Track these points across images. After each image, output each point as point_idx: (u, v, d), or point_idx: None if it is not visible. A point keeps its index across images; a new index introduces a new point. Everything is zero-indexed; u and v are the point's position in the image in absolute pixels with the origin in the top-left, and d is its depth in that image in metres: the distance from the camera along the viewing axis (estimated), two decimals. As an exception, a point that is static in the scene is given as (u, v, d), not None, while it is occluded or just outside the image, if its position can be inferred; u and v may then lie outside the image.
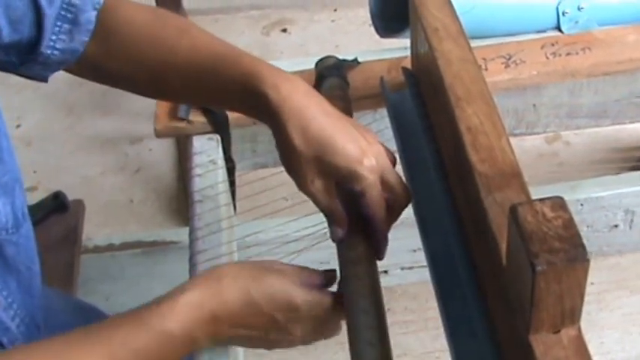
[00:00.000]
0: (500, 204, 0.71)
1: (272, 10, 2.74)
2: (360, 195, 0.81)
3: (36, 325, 0.86)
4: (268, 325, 0.78)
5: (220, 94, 0.87)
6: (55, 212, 1.37)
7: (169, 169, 2.23)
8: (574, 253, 0.59)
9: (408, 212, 0.92)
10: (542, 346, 0.63)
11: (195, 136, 1.09)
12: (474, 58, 0.88)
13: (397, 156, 0.96)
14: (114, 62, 0.90)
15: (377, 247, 0.84)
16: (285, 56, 2.54)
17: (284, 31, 2.68)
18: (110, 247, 1.43)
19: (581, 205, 1.35)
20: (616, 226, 1.41)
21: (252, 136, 1.18)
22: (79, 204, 1.41)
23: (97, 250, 1.40)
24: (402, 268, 1.43)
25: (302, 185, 0.83)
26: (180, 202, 2.08)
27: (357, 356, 0.74)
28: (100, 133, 2.27)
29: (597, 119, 1.30)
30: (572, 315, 0.62)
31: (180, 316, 0.73)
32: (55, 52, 0.87)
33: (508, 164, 0.76)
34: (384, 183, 0.82)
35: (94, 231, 1.89)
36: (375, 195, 0.81)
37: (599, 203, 1.36)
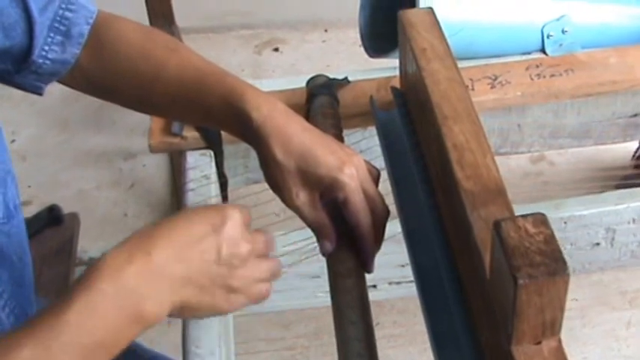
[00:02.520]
0: (485, 219, 0.74)
1: (264, 30, 2.78)
2: (343, 203, 0.83)
3: (26, 315, 0.86)
4: (208, 250, 0.71)
5: (205, 112, 0.90)
6: (50, 225, 1.39)
7: (163, 184, 2.26)
8: (554, 267, 0.62)
9: (396, 228, 0.96)
10: (523, 356, 0.66)
11: (188, 152, 1.12)
12: (461, 78, 0.91)
13: (386, 173, 1.00)
14: (105, 75, 0.94)
15: (364, 260, 0.86)
16: (277, 75, 2.58)
17: (276, 50, 2.71)
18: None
19: (565, 223, 1.37)
20: (598, 244, 1.43)
21: (244, 152, 1.21)
22: (74, 217, 1.43)
23: (92, 262, 1.41)
24: (390, 283, 1.45)
25: (287, 200, 0.85)
26: (174, 216, 2.10)
27: None
28: (94, 149, 2.29)
29: (580, 139, 1.33)
30: (552, 327, 0.65)
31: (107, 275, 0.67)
32: (47, 62, 0.90)
33: (493, 181, 0.79)
34: (364, 193, 0.85)
35: (88, 244, 1.92)
36: (358, 201, 0.83)
37: (581, 222, 1.38)
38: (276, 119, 0.85)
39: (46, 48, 0.89)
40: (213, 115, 0.89)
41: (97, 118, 2.36)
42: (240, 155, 1.22)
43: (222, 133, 1.11)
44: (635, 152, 2.14)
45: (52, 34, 0.89)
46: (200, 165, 1.09)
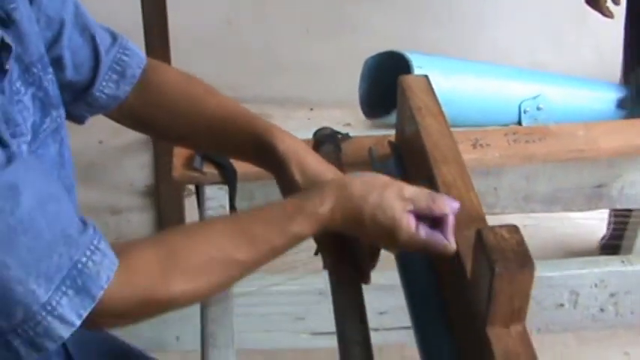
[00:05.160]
0: (467, 237, 0.90)
1: (251, 104, 2.95)
2: None
3: None
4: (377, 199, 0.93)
5: (238, 145, 1.09)
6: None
7: (145, 238, 2.41)
8: (524, 262, 0.78)
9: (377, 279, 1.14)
10: (495, 337, 0.81)
11: (207, 185, 1.28)
12: (450, 132, 1.09)
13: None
14: (149, 111, 1.12)
15: (362, 272, 1.02)
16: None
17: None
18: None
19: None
20: (562, 305, 1.57)
21: (249, 194, 1.37)
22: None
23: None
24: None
25: None
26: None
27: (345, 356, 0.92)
28: (83, 204, 2.42)
29: (550, 205, 1.50)
30: (519, 313, 0.81)
31: (328, 205, 0.92)
32: (103, 96, 1.07)
33: (474, 210, 0.96)
34: None
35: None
36: None
37: (548, 282, 1.51)
38: (296, 151, 1.04)
39: (104, 84, 1.06)
40: (245, 147, 1.08)
41: (86, 176, 2.47)
42: (245, 197, 1.37)
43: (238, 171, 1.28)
44: (602, 238, 2.31)
45: (109, 73, 1.07)
46: (217, 197, 1.26)
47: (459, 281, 0.90)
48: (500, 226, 0.81)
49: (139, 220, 2.46)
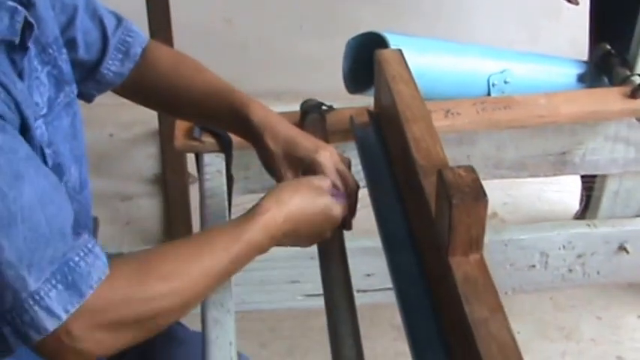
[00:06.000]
0: (433, 182, 1.02)
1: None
2: None
3: None
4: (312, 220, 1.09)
5: (219, 118, 1.24)
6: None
7: (155, 222, 2.54)
8: (478, 195, 0.90)
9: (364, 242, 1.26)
10: (456, 264, 0.93)
11: (205, 154, 1.41)
12: (420, 96, 1.22)
13: (362, 174, 1.29)
14: (147, 87, 1.25)
15: (344, 220, 1.15)
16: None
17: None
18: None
19: (505, 245, 1.61)
20: (533, 266, 1.66)
21: (245, 165, 1.50)
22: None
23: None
24: (358, 291, 1.71)
25: (278, 178, 1.17)
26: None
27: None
28: (96, 192, 2.55)
29: (518, 171, 1.63)
30: (477, 243, 0.93)
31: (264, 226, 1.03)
32: (110, 74, 1.21)
33: (440, 160, 1.08)
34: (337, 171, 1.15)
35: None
36: (333, 176, 1.14)
37: (519, 244, 1.62)
38: (269, 121, 1.18)
39: (110, 62, 1.20)
40: (226, 120, 1.23)
41: (99, 167, 2.63)
42: (242, 167, 1.50)
43: (233, 140, 1.41)
44: (575, 214, 2.44)
45: (115, 52, 1.20)
46: (215, 163, 1.39)
47: (426, 220, 1.02)
48: (458, 167, 0.94)
49: (147, 206, 2.62)
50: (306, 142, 1.17)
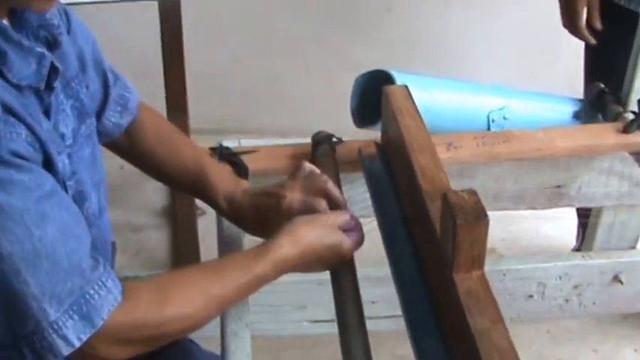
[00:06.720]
0: (437, 206, 1.10)
1: (256, 135, 3.13)
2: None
3: None
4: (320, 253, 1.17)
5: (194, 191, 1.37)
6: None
7: (164, 253, 2.61)
8: (479, 215, 0.98)
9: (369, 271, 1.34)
10: (459, 280, 1.01)
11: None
12: (425, 128, 1.30)
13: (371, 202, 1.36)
14: (139, 154, 1.36)
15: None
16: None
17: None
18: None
19: (504, 275, 1.67)
20: (531, 296, 1.71)
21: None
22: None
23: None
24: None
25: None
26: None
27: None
28: (107, 222, 2.65)
29: (517, 204, 1.71)
30: (479, 260, 1.01)
31: (277, 263, 1.12)
32: (109, 124, 1.29)
33: (444, 186, 1.16)
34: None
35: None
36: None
37: (517, 275, 1.68)
38: (233, 203, 1.32)
39: (111, 113, 1.29)
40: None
41: (110, 198, 2.69)
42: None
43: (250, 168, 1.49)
44: (572, 250, 2.50)
45: (114, 105, 1.29)
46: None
47: (432, 241, 1.10)
48: (462, 191, 1.02)
49: (157, 236, 2.71)
50: (268, 199, 1.28)
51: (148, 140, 1.34)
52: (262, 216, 1.27)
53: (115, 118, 1.29)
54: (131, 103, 1.30)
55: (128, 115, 1.30)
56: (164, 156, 1.33)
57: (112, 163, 2.89)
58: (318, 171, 1.29)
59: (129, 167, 3.05)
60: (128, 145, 1.34)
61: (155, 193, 2.86)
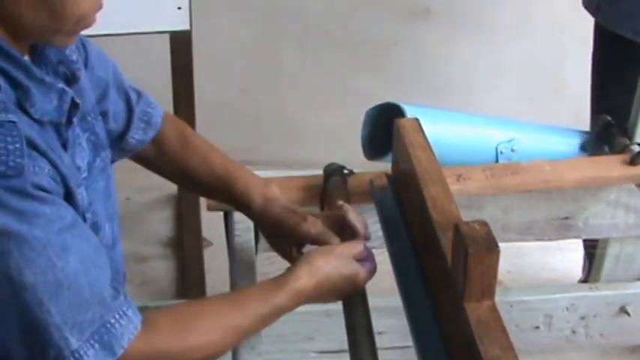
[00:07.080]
0: (449, 237, 1.12)
1: (264, 166, 3.10)
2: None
3: None
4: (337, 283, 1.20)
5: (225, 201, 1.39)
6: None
7: (168, 283, 2.63)
8: (490, 245, 1.00)
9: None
10: (470, 309, 1.02)
11: (235, 212, 1.51)
12: (436, 161, 1.32)
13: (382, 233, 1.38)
14: (163, 160, 1.37)
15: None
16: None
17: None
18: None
19: (511, 306, 1.67)
20: (538, 327, 1.71)
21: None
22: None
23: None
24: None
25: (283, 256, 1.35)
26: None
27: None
28: (114, 253, 2.67)
29: (524, 235, 1.72)
30: (489, 290, 1.03)
31: (294, 295, 1.15)
32: (134, 141, 1.31)
33: (455, 216, 1.18)
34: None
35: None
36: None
37: (524, 306, 1.68)
38: (267, 210, 1.34)
39: (135, 131, 1.31)
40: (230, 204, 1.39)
41: (116, 229, 2.74)
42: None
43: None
44: (579, 282, 2.51)
45: (138, 122, 1.31)
46: (243, 220, 1.48)
47: (443, 271, 1.12)
48: (473, 221, 1.04)
49: (161, 267, 2.72)
50: (292, 216, 1.31)
51: (175, 150, 1.36)
52: (279, 230, 1.31)
53: (138, 135, 1.31)
54: (155, 119, 1.33)
55: (152, 131, 1.33)
56: (194, 164, 1.35)
57: (118, 194, 2.93)
58: (354, 212, 1.32)
59: (135, 199, 3.10)
60: (155, 157, 1.36)
61: (160, 223, 2.89)
